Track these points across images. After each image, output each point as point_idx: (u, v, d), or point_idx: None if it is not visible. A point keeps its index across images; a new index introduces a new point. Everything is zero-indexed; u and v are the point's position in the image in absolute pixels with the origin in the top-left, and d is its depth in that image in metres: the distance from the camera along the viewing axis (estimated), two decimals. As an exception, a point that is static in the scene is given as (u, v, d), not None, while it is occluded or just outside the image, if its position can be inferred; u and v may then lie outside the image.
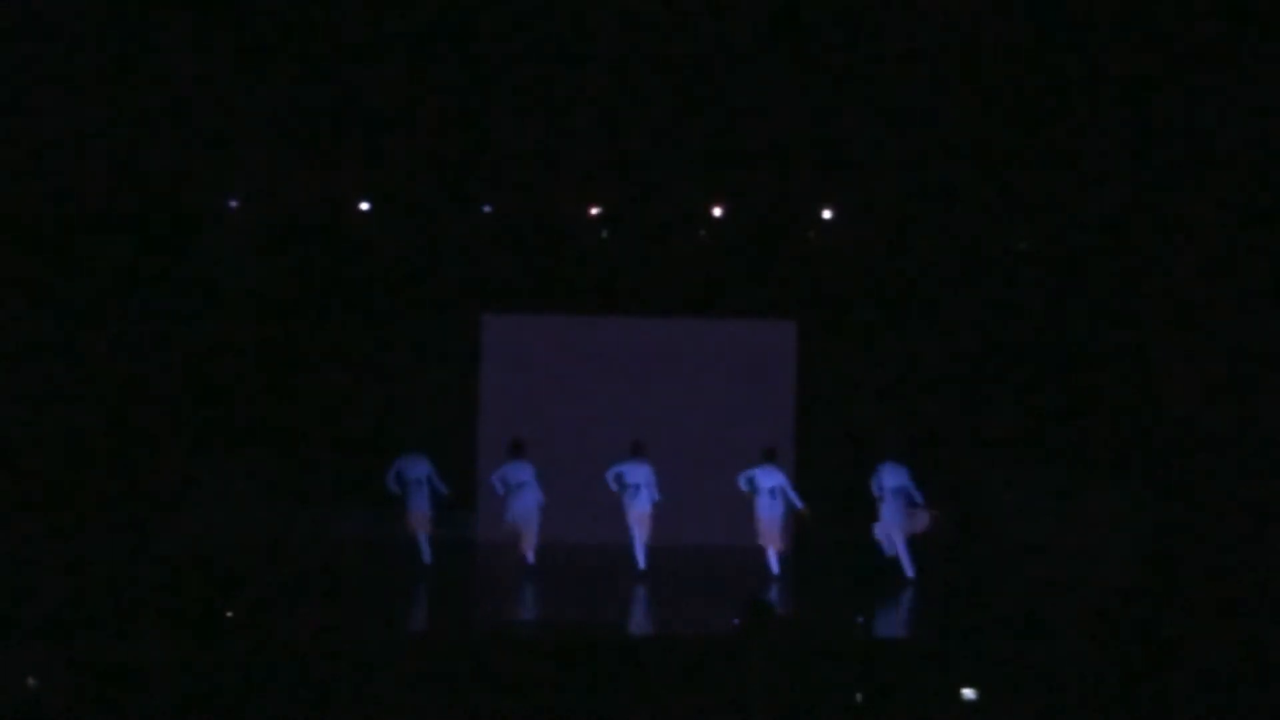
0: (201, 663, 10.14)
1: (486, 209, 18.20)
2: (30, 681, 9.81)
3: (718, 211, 18.14)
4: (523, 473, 15.89)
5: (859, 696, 9.95)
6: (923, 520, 15.84)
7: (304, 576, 14.94)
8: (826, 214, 18.15)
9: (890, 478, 15.89)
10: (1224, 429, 17.50)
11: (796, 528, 16.61)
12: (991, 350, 18.39)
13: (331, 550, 16.65)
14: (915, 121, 17.45)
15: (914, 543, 15.85)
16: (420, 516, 15.84)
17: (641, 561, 15.94)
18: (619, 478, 16.01)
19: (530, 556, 15.93)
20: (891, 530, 15.84)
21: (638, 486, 15.96)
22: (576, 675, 10.32)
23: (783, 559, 16.00)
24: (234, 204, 17.96)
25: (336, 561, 16.06)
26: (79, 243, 17.47)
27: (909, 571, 15.73)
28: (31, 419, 17.18)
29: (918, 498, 15.87)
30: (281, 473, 17.80)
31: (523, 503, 15.86)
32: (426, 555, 15.96)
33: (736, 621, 11.89)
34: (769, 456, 16.02)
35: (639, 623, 13.84)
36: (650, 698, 10.07)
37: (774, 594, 15.06)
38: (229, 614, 11.51)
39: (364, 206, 18.06)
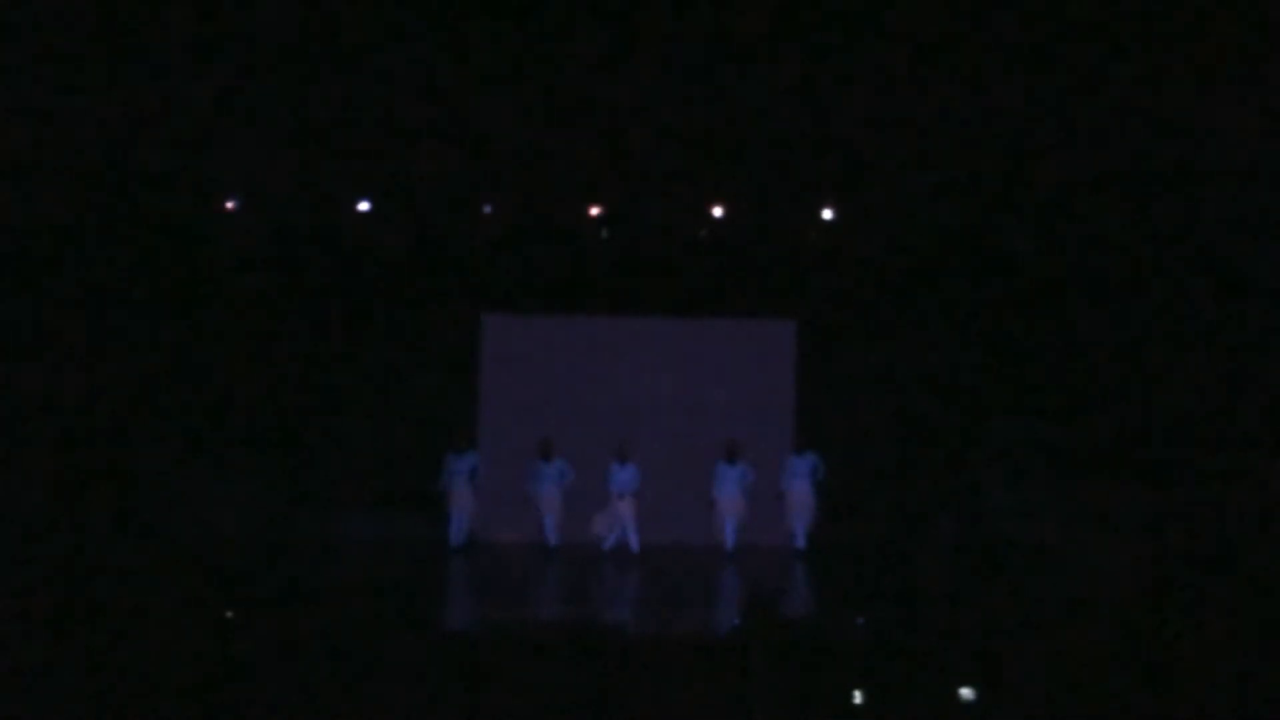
0: (201, 663, 10.14)
1: (486, 209, 18.19)
2: (30, 681, 9.81)
3: (718, 211, 18.13)
4: (549, 470, 17.14)
5: (859, 696, 9.94)
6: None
7: (304, 576, 14.94)
8: (826, 214, 18.15)
9: (799, 465, 17.21)
10: (1224, 429, 17.51)
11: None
12: (991, 350, 18.39)
13: (331, 550, 16.66)
14: (915, 121, 17.44)
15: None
16: (463, 501, 17.11)
17: (635, 545, 16.89)
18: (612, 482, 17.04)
19: (553, 539, 17.18)
20: (805, 510, 17.15)
21: (624, 482, 16.99)
22: (576, 675, 10.32)
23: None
24: (234, 204, 17.95)
25: (336, 561, 16.07)
26: (79, 242, 17.47)
27: (802, 542, 17.22)
28: (30, 418, 17.18)
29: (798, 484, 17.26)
30: (281, 473, 17.81)
31: (547, 490, 17.11)
32: (455, 537, 17.08)
33: (736, 621, 11.91)
34: (731, 455, 17.08)
35: (639, 623, 13.84)
36: (650, 698, 10.06)
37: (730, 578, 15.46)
38: (229, 614, 11.51)
39: (364, 206, 18.06)
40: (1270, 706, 9.95)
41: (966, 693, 9.93)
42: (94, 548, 15.57)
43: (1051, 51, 16.84)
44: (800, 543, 17.22)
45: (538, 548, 17.10)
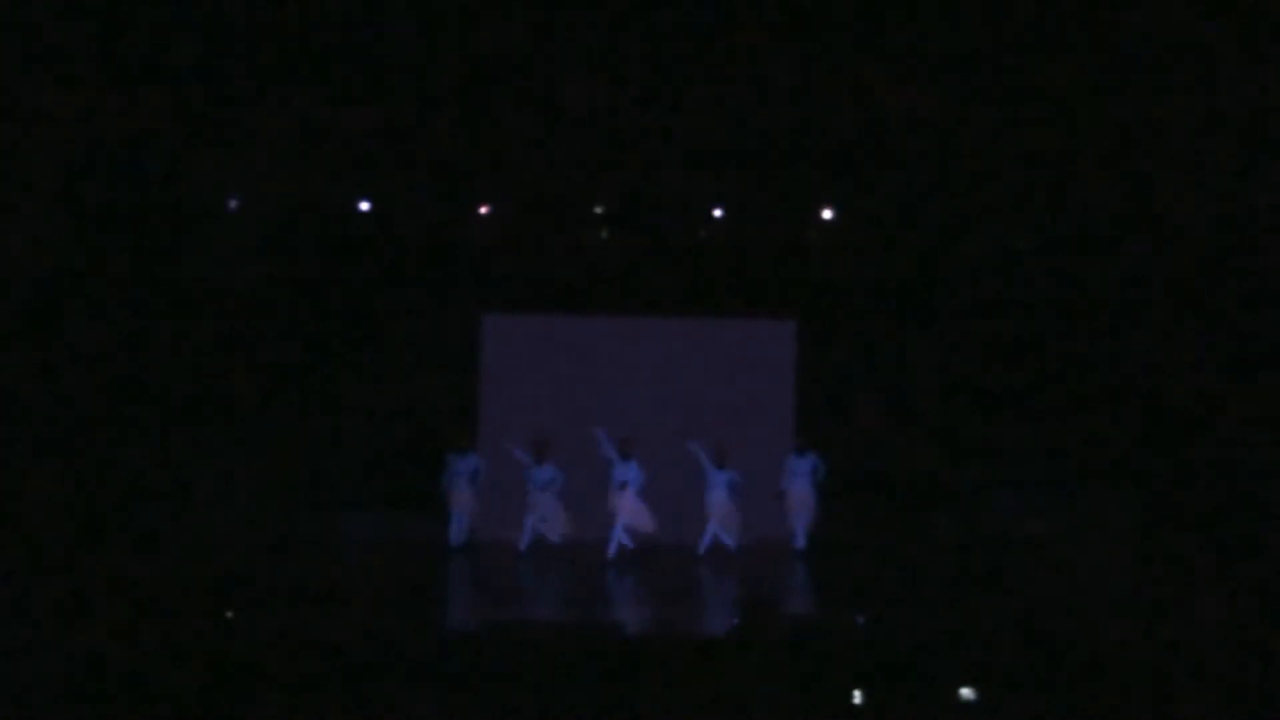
0: (201, 663, 10.14)
1: (486, 209, 18.19)
2: (30, 681, 9.82)
3: (718, 212, 18.13)
4: (543, 471, 16.98)
5: (859, 696, 9.95)
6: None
7: (304, 577, 14.94)
8: (826, 214, 18.15)
9: (799, 465, 17.16)
10: (1225, 428, 17.51)
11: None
12: (991, 350, 18.39)
13: (331, 550, 16.66)
14: (915, 121, 17.45)
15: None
16: (464, 501, 17.06)
17: (612, 550, 16.68)
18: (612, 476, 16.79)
19: (523, 544, 17.04)
20: (805, 509, 17.12)
21: (624, 484, 16.70)
22: (576, 675, 10.32)
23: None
24: (234, 204, 17.95)
25: (336, 562, 16.07)
26: (78, 242, 17.48)
27: (802, 542, 17.15)
28: (30, 418, 17.18)
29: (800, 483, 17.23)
30: (281, 473, 17.80)
31: (539, 493, 16.97)
32: (455, 536, 17.08)
33: (736, 621, 11.92)
34: (720, 459, 16.94)
35: (639, 623, 13.84)
36: (650, 698, 10.07)
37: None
38: (229, 614, 11.52)
39: (364, 206, 18.06)
40: (1269, 706, 9.95)
41: (966, 693, 9.94)
42: (94, 548, 15.56)
43: (1050, 51, 16.85)
44: (800, 543, 17.22)
45: (538, 548, 17.06)
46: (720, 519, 16.90)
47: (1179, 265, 17.87)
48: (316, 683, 10.08)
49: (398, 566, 15.93)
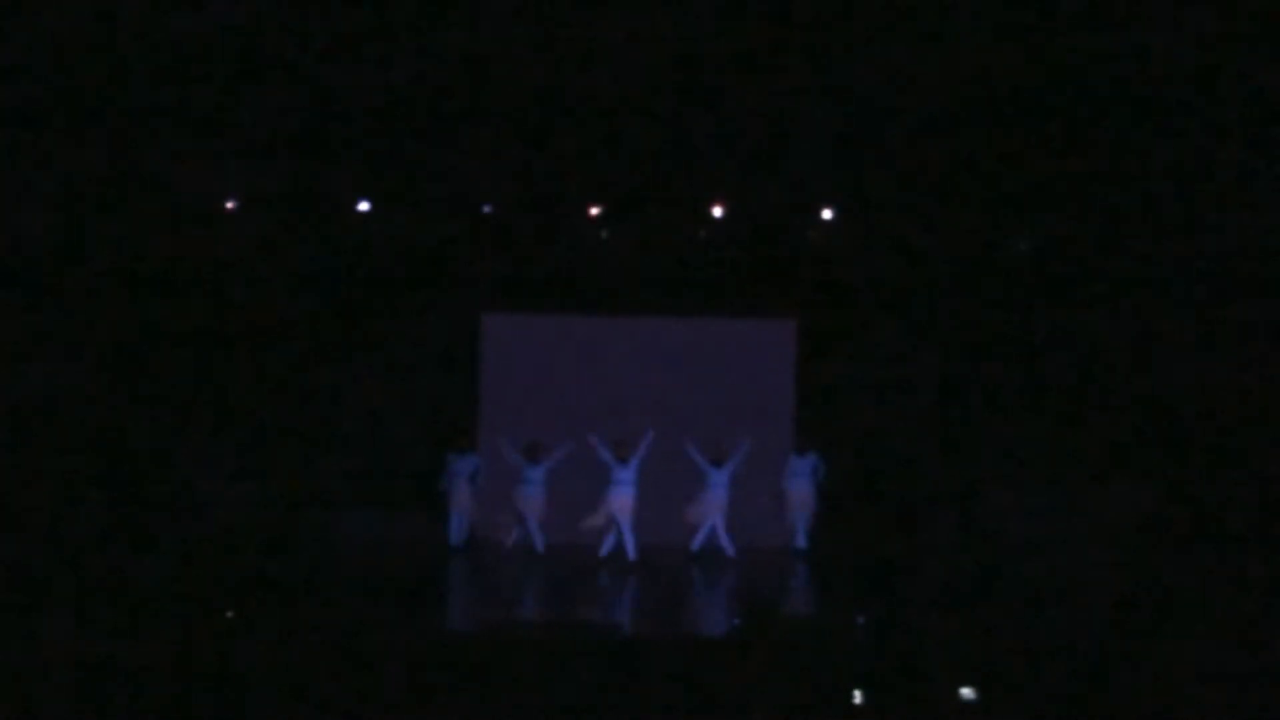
0: (201, 662, 10.14)
1: (486, 209, 18.19)
2: (30, 680, 9.82)
3: (718, 211, 18.13)
4: (534, 473, 16.79)
5: (859, 696, 9.95)
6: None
7: (303, 576, 14.94)
8: (826, 214, 18.14)
9: (799, 465, 17.20)
10: (1225, 427, 17.52)
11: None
12: (991, 350, 18.38)
13: (330, 550, 16.66)
14: (915, 121, 17.45)
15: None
16: (463, 501, 17.11)
17: (632, 552, 16.51)
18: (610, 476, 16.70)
19: (539, 545, 16.85)
20: (805, 509, 17.16)
21: (623, 484, 16.62)
22: (576, 675, 10.32)
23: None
24: (234, 204, 17.95)
25: (335, 561, 16.07)
26: (79, 242, 17.48)
27: (802, 542, 17.13)
28: (29, 417, 17.18)
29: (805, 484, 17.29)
30: (281, 472, 17.80)
31: (530, 495, 16.81)
32: (454, 536, 17.12)
33: (736, 621, 11.91)
34: (717, 459, 16.82)
35: (639, 623, 13.83)
36: (650, 698, 10.07)
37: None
38: (229, 614, 11.52)
39: (364, 206, 18.05)
40: (1270, 706, 9.95)
41: (967, 693, 9.94)
42: (94, 547, 15.57)
43: (1049, 48, 16.85)
44: (801, 542, 17.22)
45: (531, 549, 17.04)
46: (708, 518, 16.84)
47: (1179, 264, 17.88)
48: (316, 683, 10.08)
49: (397, 566, 15.93)
